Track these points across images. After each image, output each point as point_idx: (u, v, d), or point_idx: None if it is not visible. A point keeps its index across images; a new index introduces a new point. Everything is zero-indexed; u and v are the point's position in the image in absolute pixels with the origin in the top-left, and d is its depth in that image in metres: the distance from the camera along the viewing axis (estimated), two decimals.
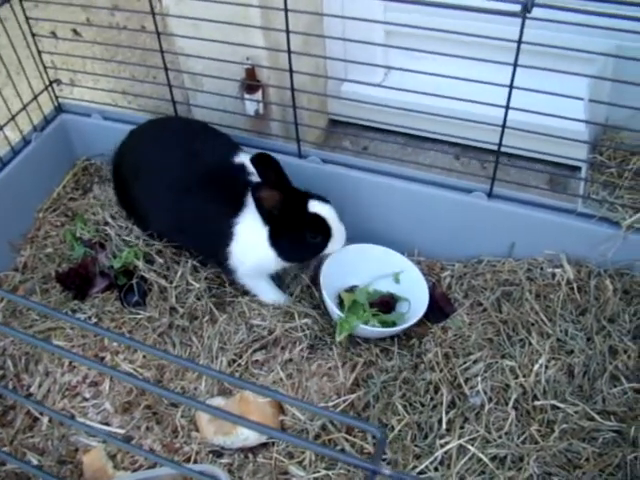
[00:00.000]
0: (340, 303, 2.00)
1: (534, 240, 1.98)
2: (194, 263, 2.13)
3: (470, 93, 1.82)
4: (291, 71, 1.91)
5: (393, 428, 1.72)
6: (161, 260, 2.12)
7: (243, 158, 1.99)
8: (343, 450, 1.70)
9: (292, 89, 1.96)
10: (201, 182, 1.97)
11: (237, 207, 1.92)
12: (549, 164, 2.35)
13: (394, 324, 1.95)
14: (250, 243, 1.93)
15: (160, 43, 2.02)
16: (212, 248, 2.02)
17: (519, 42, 1.62)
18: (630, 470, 1.57)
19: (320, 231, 1.92)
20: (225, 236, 1.93)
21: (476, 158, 2.45)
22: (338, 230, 1.94)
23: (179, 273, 2.09)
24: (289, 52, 1.85)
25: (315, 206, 1.90)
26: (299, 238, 1.92)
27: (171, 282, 2.07)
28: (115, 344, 2.00)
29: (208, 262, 2.14)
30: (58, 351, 0.96)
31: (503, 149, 1.90)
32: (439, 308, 1.97)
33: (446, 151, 2.49)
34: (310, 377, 1.80)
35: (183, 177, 1.99)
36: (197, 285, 2.06)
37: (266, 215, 1.87)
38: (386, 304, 2.01)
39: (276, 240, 1.90)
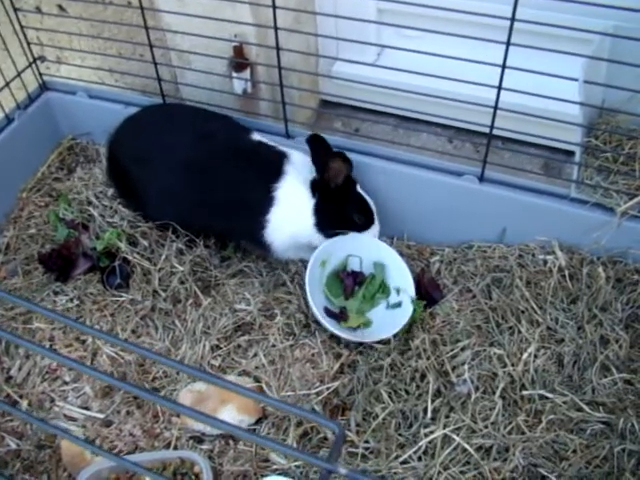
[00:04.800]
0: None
1: (526, 226, 1.94)
2: (179, 246, 2.08)
3: (463, 74, 1.77)
4: (278, 48, 1.85)
5: (377, 416, 1.68)
6: (145, 242, 2.08)
7: (257, 136, 2.04)
8: (325, 438, 1.67)
9: (279, 67, 1.90)
10: (229, 156, 1.97)
11: (276, 174, 1.92)
12: (544, 148, 2.29)
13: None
14: (291, 209, 1.92)
15: (144, 19, 1.96)
16: (247, 220, 1.97)
17: (512, 19, 1.57)
18: (617, 462, 1.54)
19: (365, 213, 1.98)
20: (264, 203, 1.91)
21: (469, 141, 2.40)
22: (376, 219, 2.01)
23: (163, 256, 2.04)
24: (275, 29, 1.79)
25: (361, 190, 1.99)
26: (345, 214, 1.95)
27: (155, 264, 2.02)
28: (97, 327, 1.97)
29: (238, 241, 2.11)
30: (33, 347, 0.91)
31: (496, 132, 1.85)
32: (427, 294, 1.92)
33: (439, 134, 2.43)
34: (293, 363, 1.76)
35: (205, 154, 1.98)
36: (181, 268, 2.01)
37: (321, 185, 1.90)
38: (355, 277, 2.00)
39: (322, 211, 1.92)
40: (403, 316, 1.87)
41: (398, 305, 1.93)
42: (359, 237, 1.98)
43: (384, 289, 1.97)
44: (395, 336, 1.84)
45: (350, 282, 1.99)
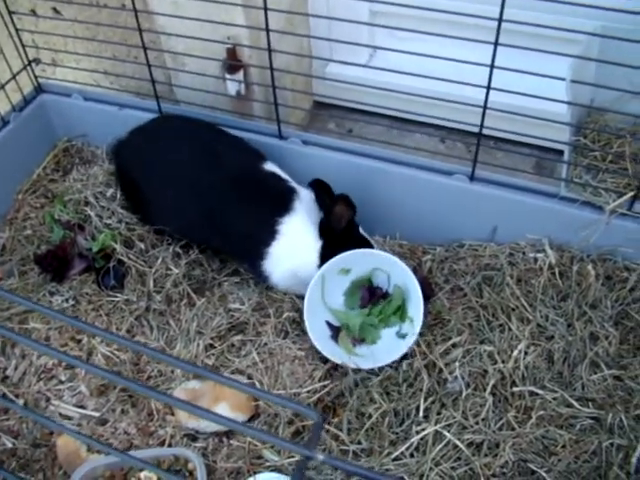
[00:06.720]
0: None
1: (516, 224, 1.95)
2: (176, 250, 2.09)
3: (456, 75, 1.78)
4: (269, 50, 1.87)
5: (371, 416, 1.70)
6: (142, 245, 2.09)
7: (271, 166, 2.02)
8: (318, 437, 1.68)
9: (271, 68, 1.92)
10: (238, 181, 1.96)
11: (284, 208, 1.92)
12: (536, 148, 2.31)
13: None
14: (295, 245, 1.92)
15: (138, 21, 1.98)
16: (248, 248, 1.98)
17: (500, 20, 1.59)
18: (605, 457, 1.55)
19: None
20: (267, 235, 1.91)
21: (461, 141, 2.42)
22: None
23: (160, 259, 2.05)
24: (267, 30, 1.81)
25: (363, 232, 1.98)
26: None
27: (150, 267, 2.04)
28: None
29: (241, 265, 2.11)
30: (33, 345, 0.93)
31: (487, 132, 1.87)
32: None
33: (431, 134, 2.45)
34: (283, 361, 1.78)
35: (214, 176, 1.98)
36: (176, 271, 2.02)
37: (327, 229, 1.89)
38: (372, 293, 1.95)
39: (329, 254, 1.88)
40: (403, 347, 1.80)
41: (404, 336, 1.85)
42: (385, 255, 1.90)
43: (401, 315, 1.90)
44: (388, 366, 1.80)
45: (366, 295, 1.94)
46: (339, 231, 1.89)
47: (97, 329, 1.02)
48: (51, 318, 1.99)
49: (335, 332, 1.90)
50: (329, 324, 1.91)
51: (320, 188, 1.94)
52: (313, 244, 1.92)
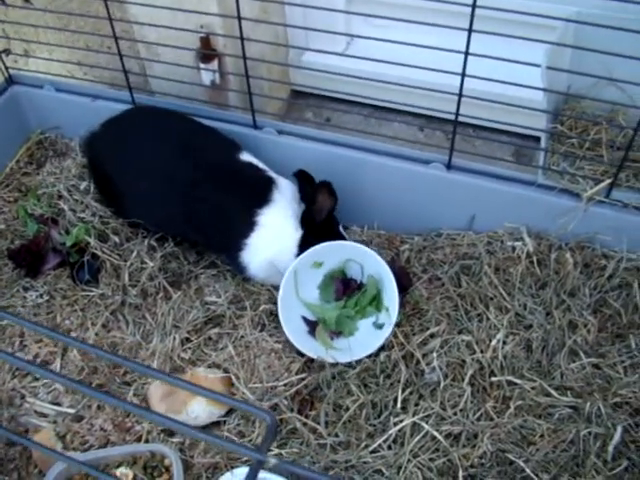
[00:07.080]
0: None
1: (494, 213, 1.94)
2: (151, 243, 2.06)
3: (433, 62, 1.76)
4: (242, 38, 1.84)
5: (348, 408, 1.68)
6: (116, 238, 2.06)
7: (247, 156, 1.99)
8: (295, 429, 1.67)
9: (244, 57, 1.89)
10: (215, 173, 1.95)
11: (263, 199, 1.90)
12: (515, 136, 2.30)
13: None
14: (274, 236, 1.90)
15: (108, 10, 1.94)
16: (226, 239, 1.96)
17: (473, 6, 1.56)
18: (583, 446, 1.55)
19: None
20: (246, 226, 1.89)
21: (440, 129, 2.40)
22: None
23: (134, 252, 2.02)
24: (239, 18, 1.78)
25: (342, 231, 2.01)
26: None
27: (125, 260, 2.01)
28: (67, 322, 1.96)
29: (218, 257, 2.09)
30: None
31: (465, 120, 1.85)
32: (397, 282, 1.92)
33: (410, 122, 2.43)
34: (260, 355, 1.76)
35: (190, 168, 1.95)
36: (151, 264, 1.99)
37: (308, 219, 1.89)
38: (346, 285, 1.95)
39: (309, 244, 1.88)
40: (380, 338, 1.79)
41: (381, 326, 1.85)
42: (357, 246, 1.89)
43: (377, 305, 1.89)
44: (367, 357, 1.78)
45: (340, 287, 1.93)
46: (320, 221, 1.88)
47: (63, 336, 0.99)
48: (29, 310, 1.98)
49: (312, 327, 1.88)
50: (305, 319, 1.89)
51: (304, 179, 1.93)
52: (292, 234, 1.90)
